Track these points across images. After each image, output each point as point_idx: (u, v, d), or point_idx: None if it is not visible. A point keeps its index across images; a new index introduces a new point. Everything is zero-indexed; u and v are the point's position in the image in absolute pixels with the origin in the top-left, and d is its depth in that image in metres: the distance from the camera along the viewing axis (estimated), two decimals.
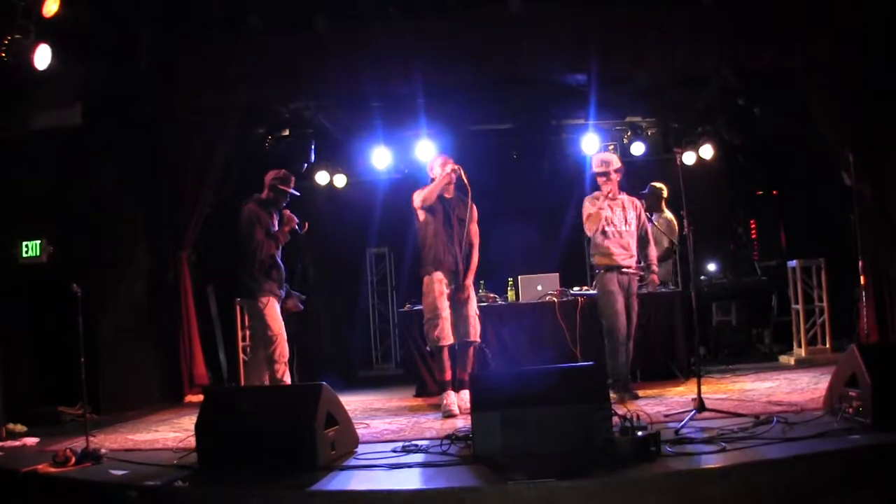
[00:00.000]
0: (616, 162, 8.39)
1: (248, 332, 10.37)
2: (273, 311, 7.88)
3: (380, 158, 12.41)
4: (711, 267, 12.90)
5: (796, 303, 10.32)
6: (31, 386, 8.92)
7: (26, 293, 8.97)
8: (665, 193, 10.09)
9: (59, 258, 8.77)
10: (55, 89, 8.61)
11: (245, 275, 7.89)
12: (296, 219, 8.19)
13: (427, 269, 8.01)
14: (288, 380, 7.91)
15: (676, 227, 9.99)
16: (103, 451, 6.18)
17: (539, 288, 9.72)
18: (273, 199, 8.14)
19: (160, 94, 9.90)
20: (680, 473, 4.76)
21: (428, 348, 7.98)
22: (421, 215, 8.08)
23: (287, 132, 12.44)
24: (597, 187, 8.44)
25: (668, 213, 10.33)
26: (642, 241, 8.47)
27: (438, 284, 7.91)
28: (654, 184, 10.30)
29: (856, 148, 8.69)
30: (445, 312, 7.86)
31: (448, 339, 7.83)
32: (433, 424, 7.20)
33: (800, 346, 10.23)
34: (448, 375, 7.83)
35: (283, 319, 7.99)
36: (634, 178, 10.52)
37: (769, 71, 9.90)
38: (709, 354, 11.27)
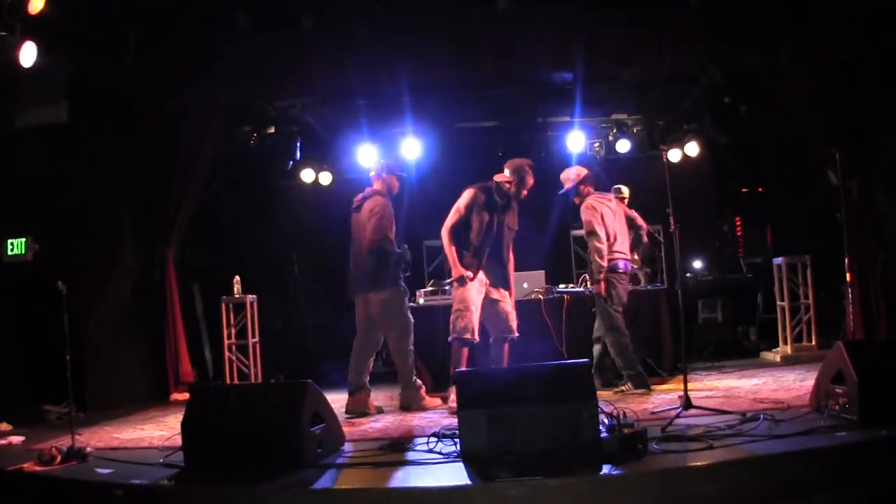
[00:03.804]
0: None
1: (233, 331, 10.35)
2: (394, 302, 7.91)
3: (365, 156, 12.36)
4: (697, 264, 12.96)
5: (782, 300, 10.35)
6: (17, 384, 8.89)
7: (12, 292, 8.94)
8: (625, 194, 9.91)
9: (44, 256, 8.76)
10: (41, 87, 8.60)
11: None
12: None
13: (470, 267, 7.79)
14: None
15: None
16: (89, 449, 6.15)
17: (525, 286, 9.67)
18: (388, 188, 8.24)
19: (146, 92, 9.89)
20: (667, 471, 4.77)
21: (449, 339, 7.85)
22: (465, 213, 7.85)
23: (273, 130, 12.45)
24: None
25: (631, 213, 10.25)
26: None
27: (477, 282, 7.80)
28: (616, 186, 10.12)
29: (842, 146, 8.69)
30: (475, 307, 7.72)
31: (473, 335, 7.69)
32: (419, 423, 7.18)
33: (786, 343, 10.26)
34: None
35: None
36: (619, 176, 10.51)
37: (756, 70, 9.93)
38: (693, 352, 11.25)
